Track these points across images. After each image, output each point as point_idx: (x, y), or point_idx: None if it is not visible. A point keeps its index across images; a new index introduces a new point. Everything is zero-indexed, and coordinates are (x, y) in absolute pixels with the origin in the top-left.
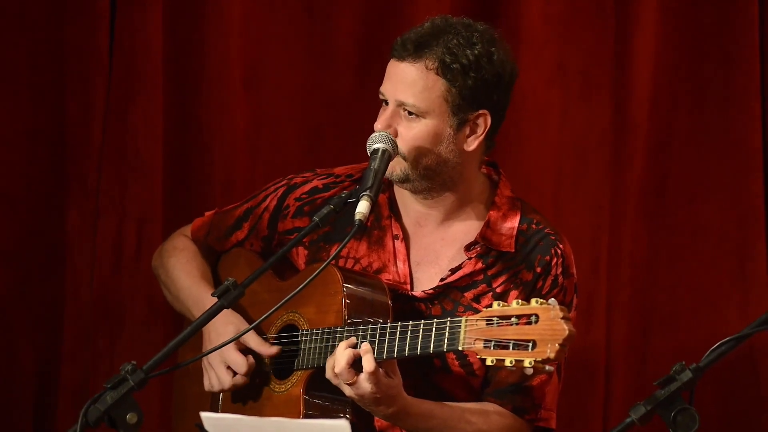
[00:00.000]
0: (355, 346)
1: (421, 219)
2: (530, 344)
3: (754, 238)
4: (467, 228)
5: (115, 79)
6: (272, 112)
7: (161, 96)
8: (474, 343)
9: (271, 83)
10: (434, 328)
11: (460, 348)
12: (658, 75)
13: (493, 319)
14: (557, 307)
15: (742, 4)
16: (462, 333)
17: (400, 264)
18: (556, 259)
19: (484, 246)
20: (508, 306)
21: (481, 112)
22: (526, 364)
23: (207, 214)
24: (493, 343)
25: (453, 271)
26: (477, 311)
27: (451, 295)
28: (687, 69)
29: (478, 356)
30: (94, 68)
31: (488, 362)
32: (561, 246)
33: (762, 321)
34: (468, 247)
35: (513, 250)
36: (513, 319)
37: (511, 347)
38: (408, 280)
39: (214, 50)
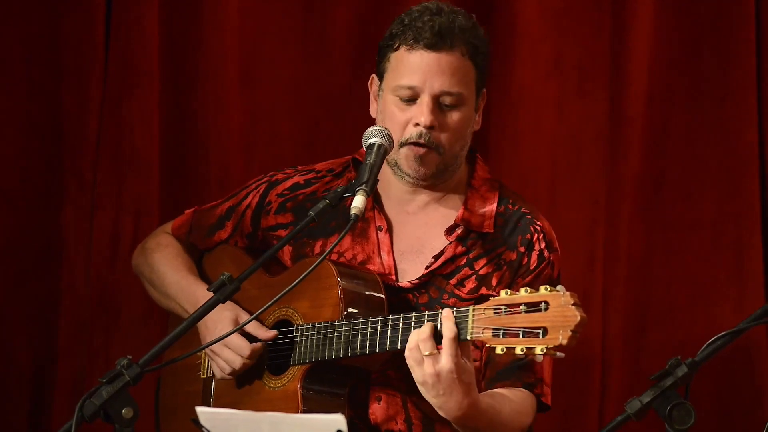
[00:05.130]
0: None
1: (405, 205)
2: (541, 331)
3: (750, 233)
4: (449, 212)
5: (111, 73)
6: (268, 106)
7: (157, 90)
8: (482, 333)
9: (267, 78)
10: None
11: (468, 338)
12: (655, 70)
13: (501, 307)
14: (567, 293)
15: None
16: (469, 323)
17: (384, 255)
18: (537, 235)
19: (464, 229)
20: (517, 294)
21: (484, 90)
22: (538, 351)
23: (186, 212)
24: (502, 331)
25: (436, 257)
26: (460, 297)
27: (436, 283)
28: (683, 63)
29: (487, 345)
30: (89, 62)
31: (498, 351)
32: (539, 223)
33: (758, 315)
34: (449, 231)
35: (492, 231)
36: (522, 307)
37: (521, 335)
38: (393, 272)
39: (210, 44)
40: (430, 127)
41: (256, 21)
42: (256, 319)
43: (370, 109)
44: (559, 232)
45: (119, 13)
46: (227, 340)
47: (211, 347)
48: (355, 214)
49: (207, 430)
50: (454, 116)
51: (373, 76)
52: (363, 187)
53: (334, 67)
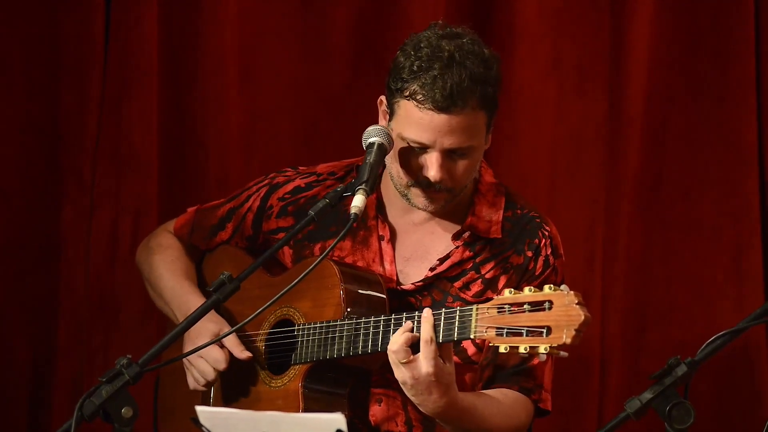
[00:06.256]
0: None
1: (410, 214)
2: (545, 330)
3: (749, 233)
4: (455, 218)
5: (110, 73)
6: (267, 105)
7: (156, 89)
8: (486, 331)
9: (267, 77)
10: (443, 318)
11: (471, 336)
12: (653, 69)
13: (505, 306)
14: (571, 292)
15: None
16: (473, 321)
17: (387, 265)
18: (544, 240)
19: (471, 234)
20: (520, 293)
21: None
22: (542, 350)
23: (189, 210)
24: (505, 330)
25: (441, 260)
26: (465, 301)
27: (440, 286)
28: (682, 63)
29: (490, 344)
30: (88, 61)
31: (501, 349)
32: (548, 228)
33: (757, 315)
34: (456, 236)
35: (500, 236)
36: (525, 306)
37: (524, 334)
38: (394, 279)
39: (209, 44)
40: (440, 181)
41: (256, 20)
42: (254, 320)
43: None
44: (558, 232)
45: (118, 13)
46: (204, 351)
47: (188, 360)
48: (354, 213)
49: (206, 429)
50: (465, 163)
51: (382, 98)
52: (363, 186)
53: (333, 67)
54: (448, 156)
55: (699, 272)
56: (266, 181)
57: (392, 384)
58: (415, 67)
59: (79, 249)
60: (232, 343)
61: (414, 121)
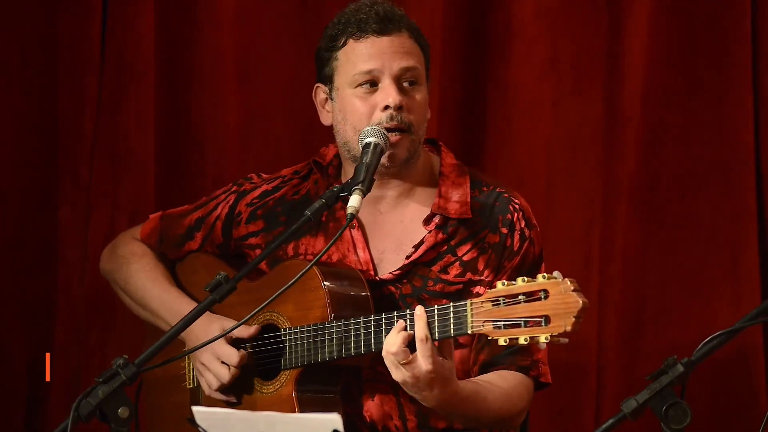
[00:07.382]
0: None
1: (376, 204)
2: (543, 320)
3: (746, 232)
4: (423, 204)
5: (107, 73)
6: (265, 105)
7: (153, 90)
8: (483, 326)
9: (264, 77)
10: (436, 315)
11: (469, 332)
12: (651, 69)
13: (499, 299)
14: (566, 280)
15: None
16: (468, 317)
17: (360, 252)
18: (516, 214)
19: (441, 217)
20: (514, 284)
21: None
22: (542, 339)
23: (152, 217)
24: (503, 323)
25: (416, 247)
26: (446, 282)
27: (419, 272)
28: (679, 63)
29: (490, 337)
30: (86, 62)
31: (501, 342)
32: (517, 201)
33: (754, 315)
34: (426, 221)
35: (470, 216)
36: (521, 297)
37: (523, 325)
38: (370, 267)
39: (207, 44)
40: (399, 108)
41: (253, 20)
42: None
43: (321, 119)
44: (555, 232)
45: (115, 13)
46: (218, 351)
47: (200, 361)
48: (351, 213)
49: (203, 429)
50: (417, 94)
51: (318, 85)
52: (359, 186)
53: None
54: (400, 85)
55: (696, 272)
56: (233, 189)
57: (385, 378)
58: (342, 20)
59: (76, 249)
60: (238, 329)
61: (358, 54)
